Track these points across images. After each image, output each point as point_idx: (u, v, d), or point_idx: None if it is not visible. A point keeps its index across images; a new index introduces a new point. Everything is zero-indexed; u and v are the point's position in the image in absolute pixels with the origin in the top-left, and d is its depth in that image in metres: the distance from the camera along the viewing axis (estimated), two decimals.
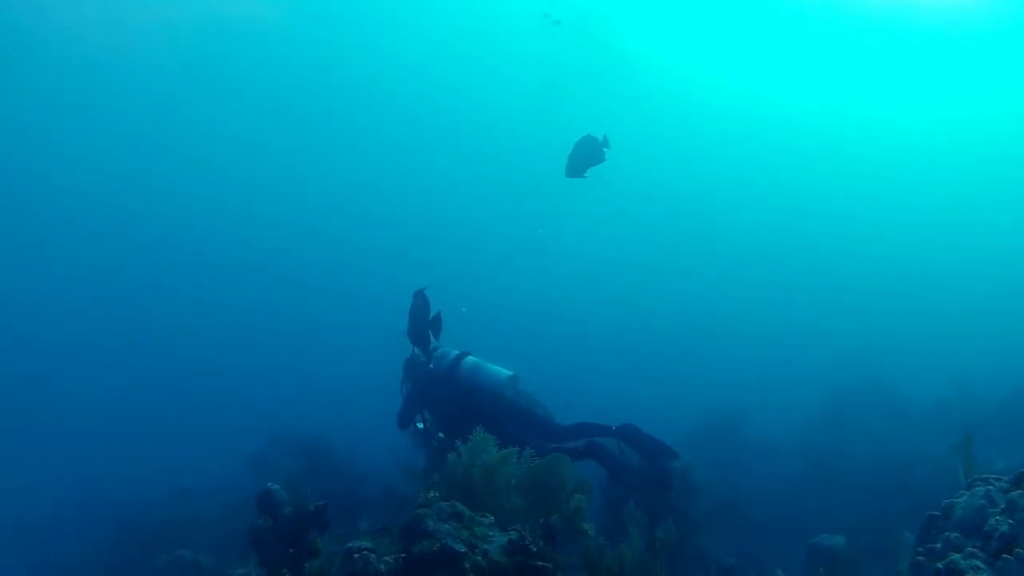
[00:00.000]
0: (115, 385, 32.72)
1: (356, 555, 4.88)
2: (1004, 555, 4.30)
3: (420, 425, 8.26)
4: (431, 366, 8.36)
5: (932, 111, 33.74)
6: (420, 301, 7.79)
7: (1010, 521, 4.54)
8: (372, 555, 4.87)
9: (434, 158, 40.16)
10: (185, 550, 10.59)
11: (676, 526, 6.34)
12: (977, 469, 5.35)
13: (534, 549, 4.95)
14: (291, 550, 5.66)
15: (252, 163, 39.04)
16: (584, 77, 33.69)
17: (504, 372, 8.15)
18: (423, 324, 7.76)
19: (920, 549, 4.99)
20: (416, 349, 8.33)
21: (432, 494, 5.70)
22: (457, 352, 8.30)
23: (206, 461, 16.09)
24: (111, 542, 12.33)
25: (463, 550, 4.87)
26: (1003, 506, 4.78)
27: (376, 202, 42.02)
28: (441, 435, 7.93)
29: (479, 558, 4.87)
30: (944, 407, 14.55)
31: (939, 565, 4.56)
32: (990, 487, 5.04)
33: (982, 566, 4.38)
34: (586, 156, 9.46)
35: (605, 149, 9.39)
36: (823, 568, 9.14)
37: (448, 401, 8.11)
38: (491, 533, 5.19)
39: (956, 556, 4.55)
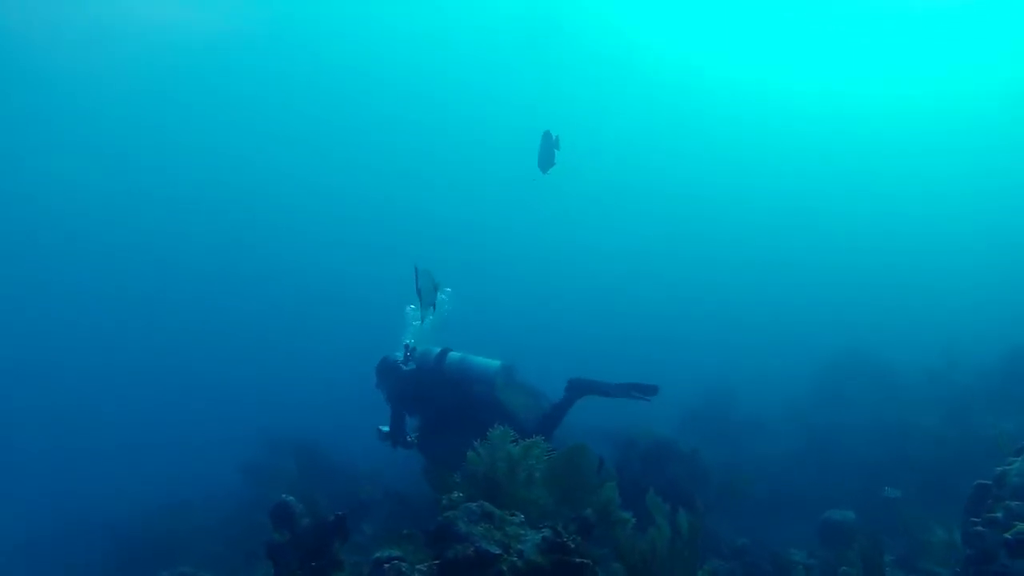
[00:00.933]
0: (104, 398, 32.20)
1: (387, 565, 4.74)
2: None
3: (410, 438, 8.09)
4: (410, 366, 8.18)
5: (911, 88, 34.03)
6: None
7: None
8: (404, 564, 4.73)
9: (424, 157, 40.00)
10: (186, 566, 10.32)
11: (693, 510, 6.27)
12: (1009, 436, 5.25)
13: (572, 545, 4.83)
14: (313, 564, 5.49)
15: (238, 171, 38.72)
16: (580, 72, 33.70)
17: (493, 363, 8.00)
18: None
19: (976, 520, 4.84)
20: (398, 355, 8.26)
21: (456, 495, 5.57)
22: (439, 349, 8.14)
23: (201, 471, 15.85)
24: (109, 560, 12.06)
25: (498, 552, 4.74)
26: None
27: (364, 203, 41.74)
28: (410, 438, 8.00)
29: (515, 559, 4.74)
30: (934, 378, 14.63)
31: (1007, 536, 4.41)
32: None
33: None
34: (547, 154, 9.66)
35: (555, 150, 9.58)
36: (838, 543, 9.21)
37: (435, 400, 7.98)
38: (523, 532, 5.05)
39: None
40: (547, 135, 9.32)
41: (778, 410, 15.65)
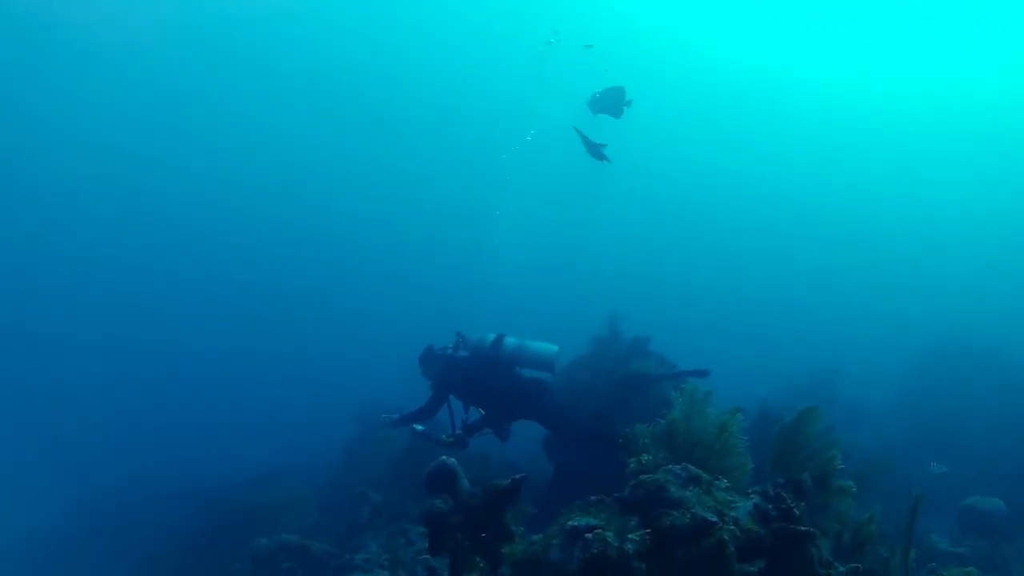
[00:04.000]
0: (194, 374, 32.49)
1: (588, 535, 4.22)
2: None
3: (419, 428, 7.66)
4: (463, 353, 7.94)
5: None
6: None
7: None
8: (608, 533, 4.22)
9: (438, 158, 39.88)
10: (288, 534, 9.93)
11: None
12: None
13: (796, 512, 4.31)
14: (483, 534, 4.98)
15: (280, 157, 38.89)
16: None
17: (551, 348, 7.87)
18: None
19: None
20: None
21: (646, 457, 5.08)
22: (494, 335, 7.97)
23: (291, 445, 15.63)
24: (202, 528, 11.81)
25: (715, 519, 4.24)
26: None
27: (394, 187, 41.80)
28: (480, 411, 7.76)
29: (732, 527, 4.24)
30: None
31: None
32: None
33: None
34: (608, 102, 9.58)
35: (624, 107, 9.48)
36: (987, 532, 8.58)
37: (495, 385, 7.80)
38: (732, 498, 4.56)
39: None
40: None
41: (881, 393, 14.93)
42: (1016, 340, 15.93)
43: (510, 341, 7.91)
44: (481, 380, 7.77)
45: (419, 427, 7.62)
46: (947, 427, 12.71)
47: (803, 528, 4.26)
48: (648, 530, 4.19)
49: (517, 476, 5.02)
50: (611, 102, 9.77)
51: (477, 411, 7.89)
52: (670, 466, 4.65)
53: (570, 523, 4.41)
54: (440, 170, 41.31)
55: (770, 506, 4.52)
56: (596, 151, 10.04)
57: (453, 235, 40.27)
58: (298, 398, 25.37)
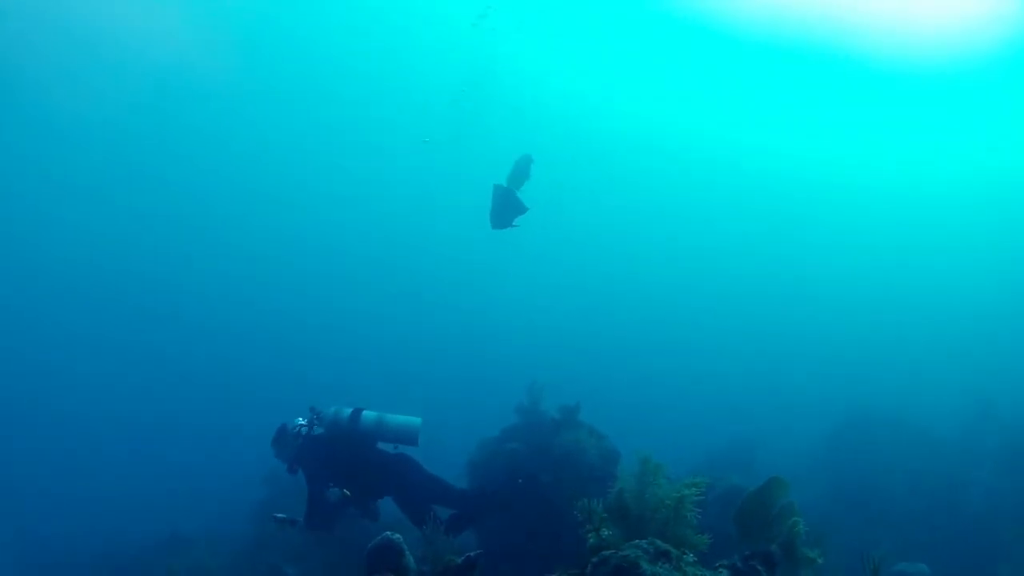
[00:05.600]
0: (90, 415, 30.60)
1: None
2: None
3: (280, 516, 7.21)
4: (318, 431, 7.50)
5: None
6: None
7: None
8: None
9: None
10: None
11: None
12: None
13: None
14: None
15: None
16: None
17: (413, 420, 7.50)
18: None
19: None
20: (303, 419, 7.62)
21: (606, 532, 4.87)
22: (350, 409, 7.56)
23: (194, 504, 14.67)
24: None
25: None
26: None
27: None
28: (346, 491, 7.20)
29: None
30: (970, 431, 14.33)
31: None
32: None
33: None
34: (507, 208, 9.19)
35: (525, 179, 9.22)
36: None
37: (355, 463, 7.36)
38: (701, 573, 4.41)
39: None
40: (500, 189, 8.98)
41: (797, 460, 15.17)
42: (919, 406, 16.54)
43: (369, 415, 7.48)
44: (341, 458, 7.31)
45: (280, 515, 7.05)
46: (864, 492, 12.93)
47: None
48: None
49: (472, 553, 4.74)
50: (508, 206, 9.27)
51: (340, 491, 7.30)
52: (637, 541, 4.46)
53: None
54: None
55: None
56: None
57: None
58: (200, 453, 23.97)
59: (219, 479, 16.15)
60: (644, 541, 4.45)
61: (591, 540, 4.80)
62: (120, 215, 38.10)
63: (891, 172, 36.99)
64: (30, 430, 28.61)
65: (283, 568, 9.89)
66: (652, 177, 40.39)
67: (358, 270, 40.68)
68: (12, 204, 35.04)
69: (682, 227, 42.07)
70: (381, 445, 7.54)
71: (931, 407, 16.50)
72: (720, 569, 4.51)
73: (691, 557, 4.51)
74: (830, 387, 22.68)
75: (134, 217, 38.42)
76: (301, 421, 7.54)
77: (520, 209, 9.38)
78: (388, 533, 4.98)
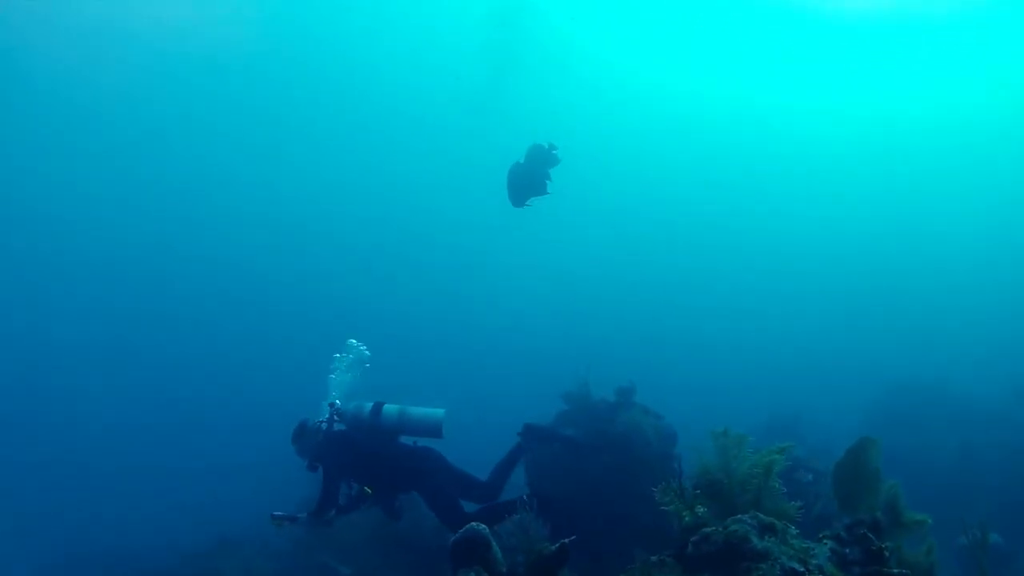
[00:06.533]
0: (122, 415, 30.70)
1: None
2: None
3: (277, 514, 7.00)
4: (339, 427, 7.31)
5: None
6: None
7: None
8: None
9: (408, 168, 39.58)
10: None
11: None
12: None
13: (887, 553, 4.01)
14: None
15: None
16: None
17: (436, 412, 7.30)
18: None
19: None
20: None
21: (701, 509, 4.70)
22: (371, 403, 7.36)
23: (236, 508, 14.55)
24: None
25: (802, 570, 3.90)
26: None
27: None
28: (368, 489, 7.08)
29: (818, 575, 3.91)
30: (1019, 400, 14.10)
31: None
32: None
33: None
34: (525, 185, 8.86)
35: (553, 163, 8.85)
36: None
37: (375, 457, 7.17)
38: (807, 545, 4.26)
39: None
40: (518, 166, 8.68)
41: (841, 435, 14.89)
42: (966, 378, 16.29)
43: (390, 408, 7.28)
44: (363, 454, 7.14)
45: (278, 513, 6.95)
46: (914, 463, 12.71)
47: (896, 571, 3.97)
48: None
49: (566, 540, 4.52)
50: (533, 178, 8.62)
51: (356, 487, 7.21)
52: (739, 516, 4.29)
53: None
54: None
55: (847, 550, 4.23)
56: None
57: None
58: (245, 451, 23.88)
59: (260, 480, 16.05)
60: (747, 516, 4.30)
61: (686, 519, 4.63)
62: (135, 199, 38.16)
63: (947, 138, 35.68)
64: (63, 443, 28.73)
65: (337, 568, 9.76)
66: (686, 152, 39.58)
67: (379, 256, 40.52)
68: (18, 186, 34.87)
69: (717, 201, 41.37)
70: (403, 439, 7.37)
71: (973, 378, 16.27)
72: (824, 541, 4.34)
73: (794, 530, 4.36)
74: (867, 361, 22.44)
75: (150, 200, 38.53)
76: (322, 418, 7.37)
77: (540, 191, 9.06)
78: (474, 524, 4.77)
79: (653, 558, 4.44)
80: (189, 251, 39.52)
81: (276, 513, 6.96)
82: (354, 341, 8.18)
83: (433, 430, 7.19)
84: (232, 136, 36.86)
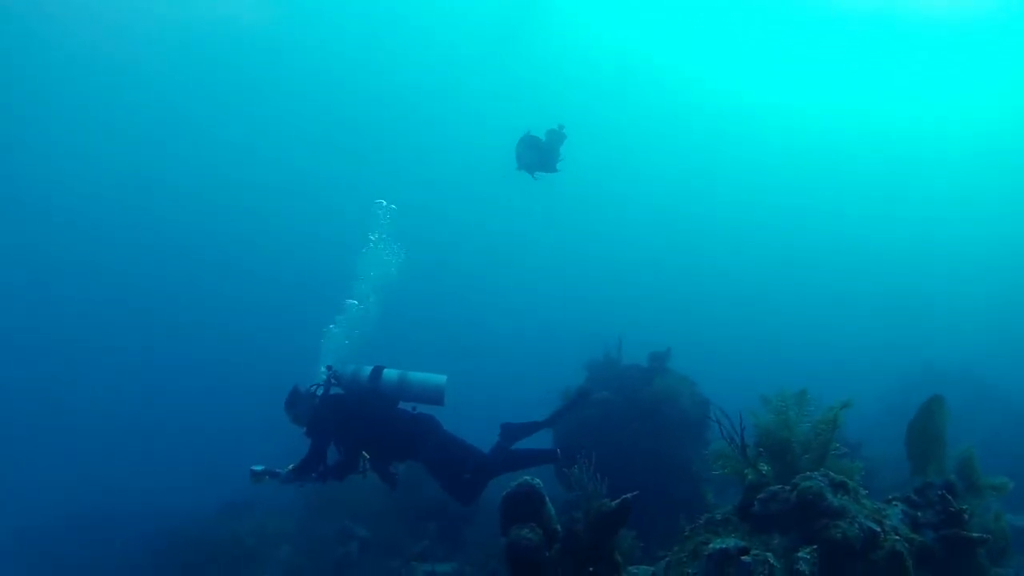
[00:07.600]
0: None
1: (744, 558, 3.56)
2: None
3: (257, 468, 6.48)
4: (336, 391, 7.00)
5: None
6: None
7: None
8: (768, 554, 3.61)
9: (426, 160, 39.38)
10: None
11: None
12: None
13: (966, 516, 3.82)
14: (591, 569, 4.06)
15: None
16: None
17: (438, 378, 6.98)
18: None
19: None
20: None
21: (765, 468, 4.49)
22: (371, 367, 7.03)
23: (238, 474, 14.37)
24: (163, 568, 10.65)
25: (878, 529, 3.69)
26: None
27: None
28: (365, 454, 6.73)
29: (896, 537, 3.71)
30: None
31: None
32: None
33: None
34: (536, 158, 8.69)
35: (561, 139, 8.69)
36: None
37: (371, 421, 6.84)
38: (879, 505, 4.09)
39: None
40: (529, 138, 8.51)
41: (870, 421, 14.72)
42: (986, 366, 16.06)
43: (390, 373, 6.96)
44: (360, 419, 6.82)
45: (257, 467, 6.55)
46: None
47: (976, 535, 3.76)
48: (814, 546, 3.60)
49: (628, 496, 4.26)
50: (542, 153, 8.56)
51: (359, 454, 6.84)
52: (810, 472, 4.08)
53: (714, 545, 3.73)
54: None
55: (918, 513, 4.04)
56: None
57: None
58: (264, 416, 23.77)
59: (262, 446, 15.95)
60: (817, 473, 4.08)
61: (750, 477, 4.42)
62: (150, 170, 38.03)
63: (981, 135, 35.38)
64: (69, 415, 28.82)
65: (353, 528, 9.62)
66: (706, 140, 39.42)
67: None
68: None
69: (744, 188, 41.27)
70: (403, 405, 7.03)
71: (998, 367, 16.04)
72: (894, 503, 4.14)
73: (864, 490, 4.15)
74: (887, 349, 22.24)
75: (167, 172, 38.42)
76: (320, 379, 7.03)
77: (549, 167, 8.84)
78: (528, 478, 4.48)
79: (718, 515, 4.23)
80: (200, 222, 39.69)
81: (255, 468, 6.58)
82: (354, 302, 7.96)
83: (434, 396, 6.90)
84: (243, 111, 36.59)
